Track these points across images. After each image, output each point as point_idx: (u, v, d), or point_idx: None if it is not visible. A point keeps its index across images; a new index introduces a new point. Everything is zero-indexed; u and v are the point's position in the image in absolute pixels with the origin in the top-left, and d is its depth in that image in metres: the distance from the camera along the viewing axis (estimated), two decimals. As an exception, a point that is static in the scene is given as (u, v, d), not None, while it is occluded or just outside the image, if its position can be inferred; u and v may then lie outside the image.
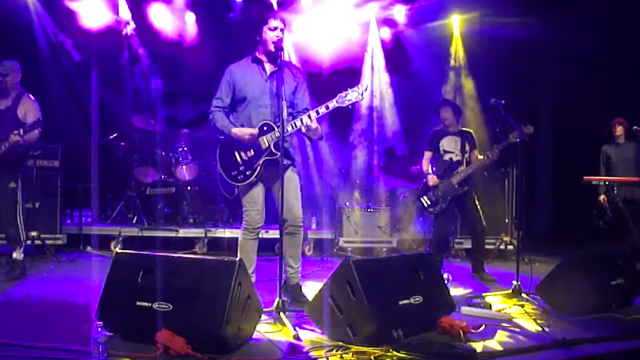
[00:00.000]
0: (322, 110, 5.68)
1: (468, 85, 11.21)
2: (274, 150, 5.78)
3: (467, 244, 9.57)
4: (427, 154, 8.19)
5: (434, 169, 8.07)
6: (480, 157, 7.84)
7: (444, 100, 8.16)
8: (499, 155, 7.65)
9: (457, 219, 9.21)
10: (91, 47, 10.74)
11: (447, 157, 7.99)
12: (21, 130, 6.64)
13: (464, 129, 8.21)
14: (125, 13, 10.80)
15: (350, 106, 5.65)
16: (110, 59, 10.55)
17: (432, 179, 7.92)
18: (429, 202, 7.93)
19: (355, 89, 5.62)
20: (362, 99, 5.66)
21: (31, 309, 5.68)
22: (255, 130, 5.80)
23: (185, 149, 10.32)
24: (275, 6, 10.71)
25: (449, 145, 8.01)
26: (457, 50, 11.46)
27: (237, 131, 5.83)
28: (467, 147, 7.96)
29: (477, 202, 7.92)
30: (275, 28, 5.80)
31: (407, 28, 11.37)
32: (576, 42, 10.02)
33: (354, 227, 9.65)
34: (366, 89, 5.65)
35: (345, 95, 5.63)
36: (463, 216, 8.38)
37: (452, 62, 11.38)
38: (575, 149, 9.97)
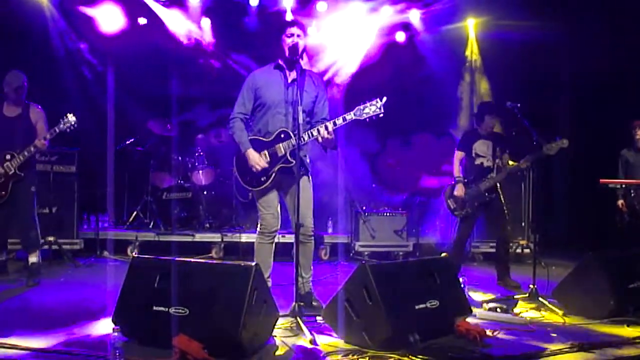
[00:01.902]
0: (339, 121, 5.67)
1: (483, 87, 11.17)
2: (289, 158, 5.80)
3: (484, 248, 9.56)
4: (459, 154, 8.01)
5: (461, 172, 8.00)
6: (511, 162, 7.76)
7: (492, 106, 7.96)
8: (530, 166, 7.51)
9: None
10: (108, 52, 10.83)
11: (478, 161, 7.85)
12: (47, 135, 6.82)
13: (495, 131, 8.08)
14: (142, 18, 10.88)
15: (367, 120, 5.63)
16: (127, 64, 10.58)
17: (460, 189, 7.78)
18: (455, 205, 7.84)
19: (375, 102, 5.58)
20: (381, 113, 5.60)
21: (48, 314, 5.70)
22: (263, 162, 5.85)
23: (202, 153, 10.36)
24: (289, 13, 10.73)
25: (481, 149, 7.87)
26: (473, 53, 11.43)
27: (250, 155, 5.88)
28: (499, 152, 7.83)
29: (504, 208, 7.82)
30: (292, 34, 5.82)
31: (423, 32, 11.33)
32: (593, 44, 9.95)
33: (371, 232, 9.62)
34: (385, 103, 5.62)
35: (364, 109, 5.61)
36: (489, 222, 8.21)
37: (467, 65, 11.34)
38: (592, 151, 9.90)
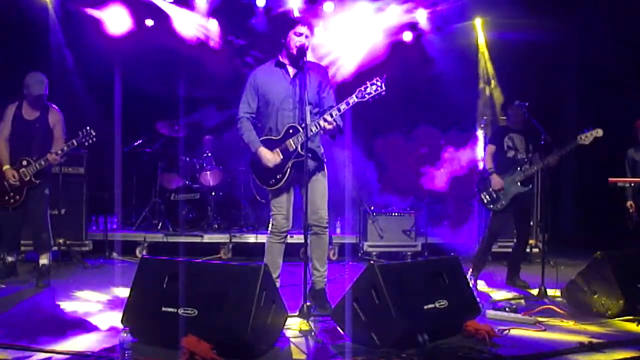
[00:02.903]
0: (343, 107, 5.68)
1: (492, 86, 11.16)
2: (301, 152, 5.79)
3: (493, 247, 9.50)
4: (491, 148, 7.88)
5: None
6: (536, 164, 7.66)
7: (518, 102, 7.90)
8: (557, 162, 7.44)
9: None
10: (115, 53, 10.85)
11: (510, 153, 7.72)
12: (59, 151, 6.90)
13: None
14: (148, 20, 10.92)
15: (370, 100, 5.63)
16: (134, 66, 10.60)
17: (497, 182, 7.58)
18: (489, 198, 7.65)
19: (375, 81, 5.60)
20: (383, 91, 5.60)
21: (58, 315, 5.72)
22: (276, 157, 5.85)
23: (209, 154, 10.38)
24: (296, 12, 10.73)
25: (514, 142, 7.76)
26: (482, 53, 11.41)
27: (261, 153, 5.89)
28: (531, 147, 7.71)
29: (531, 205, 7.73)
30: (301, 34, 5.82)
31: (430, 31, 11.32)
32: (600, 41, 9.92)
33: (379, 232, 9.61)
34: (385, 81, 5.62)
35: (365, 89, 5.61)
36: (517, 217, 7.87)
37: (481, 65, 11.32)
38: (601, 150, 9.84)
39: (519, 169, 7.63)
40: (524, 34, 10.32)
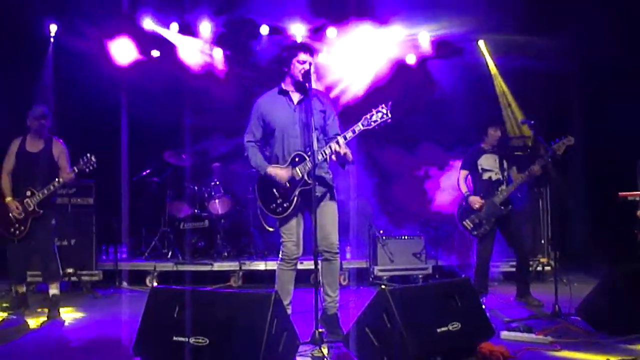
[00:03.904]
0: (349, 135, 5.68)
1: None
2: (308, 180, 5.76)
3: (504, 267, 9.45)
4: (463, 173, 7.94)
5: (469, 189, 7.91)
6: (519, 176, 7.67)
7: (495, 118, 7.86)
8: (541, 171, 7.45)
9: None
10: (121, 83, 10.89)
11: (486, 176, 7.76)
12: (75, 169, 6.91)
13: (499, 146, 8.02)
14: (155, 51, 10.98)
15: (377, 127, 5.62)
16: (141, 95, 10.61)
17: (475, 201, 7.63)
18: (472, 225, 7.67)
19: (380, 108, 5.60)
20: (389, 119, 5.59)
21: (69, 345, 5.70)
22: (288, 172, 5.82)
23: (218, 183, 10.36)
24: (300, 39, 10.78)
25: (488, 163, 7.79)
26: (494, 75, 11.40)
27: (271, 172, 5.86)
28: (506, 165, 7.78)
29: (520, 222, 7.71)
30: (304, 62, 5.82)
31: (433, 54, 11.33)
32: (603, 53, 9.86)
33: (389, 255, 9.55)
34: (390, 108, 5.60)
35: (371, 117, 5.61)
36: (508, 237, 7.87)
37: (479, 85, 11.30)
38: (610, 163, 9.79)
39: (497, 191, 7.64)
40: (526, 47, 10.32)
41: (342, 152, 5.65)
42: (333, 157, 5.70)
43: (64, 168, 7.16)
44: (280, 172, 5.84)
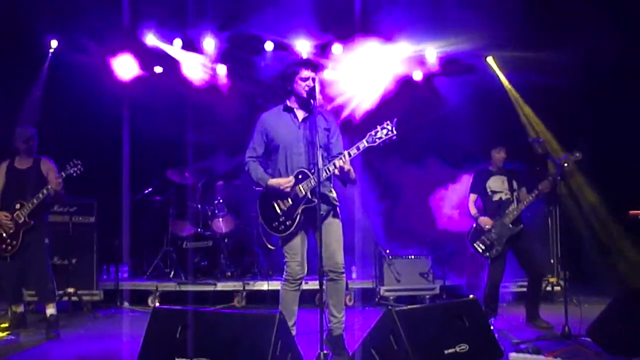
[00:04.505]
0: (354, 152, 5.67)
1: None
2: (311, 198, 5.75)
3: (513, 288, 9.40)
4: (472, 197, 7.99)
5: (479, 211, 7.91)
6: (528, 195, 7.66)
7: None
8: (550, 189, 7.45)
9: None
10: (124, 99, 10.94)
11: (496, 197, 7.81)
12: (63, 174, 6.92)
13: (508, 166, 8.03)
14: (157, 67, 11.04)
15: (381, 144, 5.62)
16: (144, 112, 10.63)
17: (486, 221, 7.66)
18: (483, 247, 7.66)
19: (385, 125, 5.60)
20: (394, 136, 5.59)
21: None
22: (291, 178, 5.81)
23: (221, 201, 10.37)
24: (305, 55, 10.81)
25: (497, 185, 7.84)
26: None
27: (273, 183, 5.86)
28: (515, 185, 7.80)
29: (531, 242, 7.70)
30: (307, 78, 5.84)
31: (439, 70, 11.35)
32: (613, 63, 9.86)
33: (396, 275, 9.53)
34: (396, 125, 5.60)
35: (375, 134, 5.61)
36: (520, 257, 7.84)
37: (487, 102, 11.29)
38: (621, 182, 9.76)
39: (507, 210, 7.67)
40: (531, 67, 10.33)
41: (346, 168, 5.65)
42: (336, 171, 5.68)
43: (53, 181, 7.18)
44: (282, 181, 5.83)
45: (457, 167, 10.13)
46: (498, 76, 11.36)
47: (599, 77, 10.23)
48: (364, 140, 5.65)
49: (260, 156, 6.08)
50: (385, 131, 5.59)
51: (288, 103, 6.04)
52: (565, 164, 7.12)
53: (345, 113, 10.75)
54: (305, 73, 5.87)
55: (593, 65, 10.14)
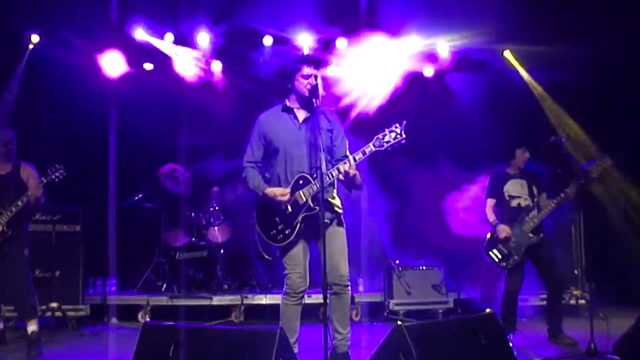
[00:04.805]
0: (359, 156, 5.66)
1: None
2: (312, 205, 5.74)
3: (534, 301, 9.39)
4: (490, 202, 7.97)
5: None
6: (550, 202, 7.63)
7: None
8: (575, 195, 7.43)
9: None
10: (111, 99, 10.95)
11: (514, 203, 7.78)
12: (44, 179, 6.90)
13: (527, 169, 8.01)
14: (147, 64, 11.06)
15: (390, 148, 5.61)
16: (133, 112, 10.62)
17: (503, 230, 7.63)
18: (500, 256, 7.65)
19: (394, 128, 5.59)
20: (403, 139, 5.58)
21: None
22: (286, 190, 5.81)
23: (217, 208, 10.39)
24: (306, 50, 10.81)
25: (515, 189, 7.82)
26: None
27: (270, 192, 5.86)
28: (535, 190, 7.80)
29: (552, 252, 7.69)
30: (309, 75, 5.84)
31: (452, 66, 11.36)
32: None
33: (406, 288, 9.52)
34: (405, 128, 5.59)
35: (383, 137, 5.60)
36: (539, 268, 7.82)
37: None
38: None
39: (526, 217, 7.64)
40: (561, 58, 10.30)
41: (351, 172, 5.64)
42: (341, 176, 5.66)
43: (33, 188, 7.17)
44: (279, 192, 5.83)
45: (470, 169, 10.12)
46: (518, 71, 11.33)
47: (627, 73, 10.22)
48: (371, 144, 5.63)
49: (260, 161, 6.08)
50: (393, 134, 5.57)
51: (287, 103, 6.04)
52: (592, 171, 7.09)
53: (352, 113, 10.73)
54: (307, 70, 5.87)
55: (621, 59, 10.12)
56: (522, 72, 11.32)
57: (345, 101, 10.84)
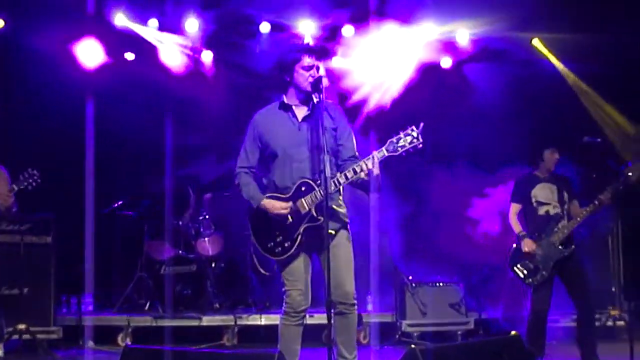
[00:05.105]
0: (369, 163, 5.55)
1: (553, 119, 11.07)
2: (316, 215, 5.66)
3: (565, 322, 9.34)
4: (515, 207, 7.94)
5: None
6: (583, 209, 7.58)
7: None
8: (611, 201, 7.38)
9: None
10: (88, 93, 10.85)
11: (542, 210, 7.73)
12: (14, 187, 6.88)
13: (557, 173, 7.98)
14: (129, 54, 11.04)
15: (404, 154, 5.52)
16: (113, 108, 10.57)
17: (528, 245, 7.59)
18: (525, 272, 7.61)
19: (409, 131, 5.48)
20: (420, 144, 5.48)
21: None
22: (287, 205, 5.73)
23: (207, 217, 10.44)
24: (308, 39, 10.77)
25: (544, 195, 7.77)
26: (538, 77, 11.33)
27: (267, 205, 5.77)
28: (566, 197, 7.75)
29: (584, 266, 7.65)
30: (310, 67, 5.76)
31: (473, 56, 11.32)
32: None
33: (420, 307, 9.48)
34: (422, 131, 5.50)
35: (397, 141, 5.49)
36: (569, 284, 7.76)
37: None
38: None
39: (555, 228, 7.60)
40: (579, 53, 10.30)
41: (375, 172, 5.55)
42: (362, 175, 5.56)
43: (2, 194, 7.13)
44: (278, 206, 5.75)
45: (491, 171, 10.14)
46: (548, 60, 11.27)
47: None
48: (384, 149, 5.53)
49: (255, 166, 6.00)
50: (409, 139, 5.48)
51: (285, 99, 5.95)
52: (630, 173, 7.03)
53: (358, 108, 10.70)
54: (309, 61, 5.78)
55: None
56: (555, 62, 11.26)
57: (353, 97, 10.81)
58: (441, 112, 10.44)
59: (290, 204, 5.72)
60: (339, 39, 11.10)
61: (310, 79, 5.71)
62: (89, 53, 10.57)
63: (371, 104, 10.88)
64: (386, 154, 5.51)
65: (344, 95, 10.66)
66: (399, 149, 5.48)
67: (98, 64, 10.65)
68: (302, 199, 5.69)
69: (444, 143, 10.56)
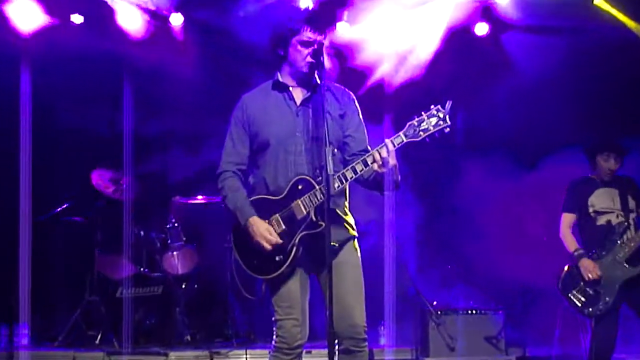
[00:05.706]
0: (384, 151, 5.38)
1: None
2: (315, 219, 5.50)
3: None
4: (568, 218, 7.96)
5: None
6: None
7: (606, 143, 7.81)
8: None
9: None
10: (22, 65, 10.75)
11: (602, 220, 7.71)
12: None
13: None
14: (76, 16, 10.86)
15: (428, 139, 5.36)
16: (55, 86, 10.48)
17: (589, 269, 7.55)
18: (583, 299, 7.59)
19: (434, 111, 5.35)
20: (447, 126, 5.35)
21: None
22: (278, 238, 5.58)
23: (177, 225, 10.36)
24: (308, 3, 10.68)
25: (603, 202, 7.77)
26: (607, 46, 11.23)
27: (254, 228, 5.59)
28: (633, 203, 7.68)
29: None
30: (312, 42, 5.63)
31: (514, 21, 11.24)
32: None
33: (447, 341, 9.38)
34: (450, 112, 5.34)
35: (419, 124, 5.34)
36: (638, 312, 7.78)
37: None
38: None
39: (618, 241, 7.54)
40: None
41: (392, 163, 5.39)
42: (375, 166, 5.40)
43: None
44: (265, 234, 5.55)
45: (537, 167, 10.04)
46: (620, 23, 11.14)
47: None
48: (402, 134, 5.39)
49: (246, 162, 5.88)
50: (434, 120, 5.34)
51: (279, 77, 5.85)
52: None
53: (371, 87, 10.62)
54: (309, 34, 5.66)
55: None
56: (627, 22, 11.12)
57: (363, 71, 10.73)
58: (474, 91, 10.36)
59: (276, 234, 5.55)
60: (346, 2, 10.98)
61: (309, 59, 5.60)
62: (24, 14, 10.46)
63: (385, 81, 10.80)
64: (405, 140, 5.36)
65: (350, 73, 10.59)
66: (421, 133, 5.34)
67: (36, 27, 10.54)
68: (299, 200, 5.52)
69: (478, 129, 10.48)
